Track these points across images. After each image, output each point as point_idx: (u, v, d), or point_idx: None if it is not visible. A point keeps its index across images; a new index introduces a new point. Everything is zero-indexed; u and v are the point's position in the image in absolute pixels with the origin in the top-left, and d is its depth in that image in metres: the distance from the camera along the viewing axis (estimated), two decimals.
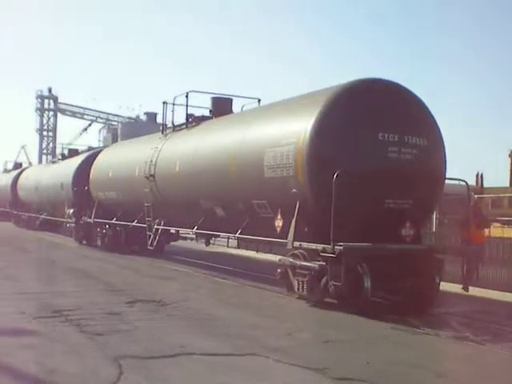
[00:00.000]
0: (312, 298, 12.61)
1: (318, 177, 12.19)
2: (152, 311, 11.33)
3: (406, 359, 8.43)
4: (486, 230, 13.12)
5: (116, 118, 73.99)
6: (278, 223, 13.52)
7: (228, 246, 18.40)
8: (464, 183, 13.09)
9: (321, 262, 12.25)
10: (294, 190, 12.73)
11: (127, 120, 68.34)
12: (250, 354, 8.26)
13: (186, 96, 18.77)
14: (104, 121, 76.12)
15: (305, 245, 12.42)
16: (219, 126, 17.20)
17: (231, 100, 19.23)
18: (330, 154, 12.13)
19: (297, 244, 12.64)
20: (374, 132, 12.17)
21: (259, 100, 18.89)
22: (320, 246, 11.91)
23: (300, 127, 12.63)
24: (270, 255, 18.81)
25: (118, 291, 13.77)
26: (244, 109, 18.92)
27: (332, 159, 12.05)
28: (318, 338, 9.79)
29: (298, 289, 12.75)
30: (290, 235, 12.80)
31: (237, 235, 15.16)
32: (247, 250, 18.14)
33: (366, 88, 12.56)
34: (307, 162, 12.29)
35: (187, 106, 18.97)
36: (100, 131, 74.22)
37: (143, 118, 64.49)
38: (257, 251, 18.03)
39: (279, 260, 13.76)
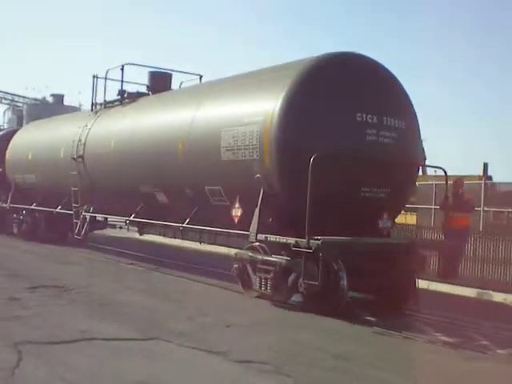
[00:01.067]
0: (277, 297, 11.20)
1: (288, 161, 10.74)
2: (54, 296, 10.88)
3: (306, 342, 8.57)
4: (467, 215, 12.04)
5: (22, 100, 70.22)
6: (236, 212, 11.99)
7: (166, 236, 16.77)
8: (442, 171, 11.97)
9: (287, 258, 10.88)
10: (258, 176, 11.23)
11: (33, 102, 64.77)
12: (152, 338, 8.18)
13: (122, 69, 16.86)
14: (9, 102, 72.04)
15: (272, 238, 10.95)
16: (163, 103, 15.39)
17: (171, 75, 17.48)
18: (304, 136, 10.68)
19: (261, 236, 11.16)
20: (352, 112, 10.85)
21: (201, 76, 17.31)
22: (292, 240, 10.48)
23: (268, 104, 11.12)
24: (216, 247, 17.37)
25: (20, 276, 12.96)
26: (183, 86, 17.28)
27: (306, 141, 10.62)
28: (220, 322, 9.51)
29: (261, 287, 11.28)
30: (252, 226, 11.30)
31: (184, 225, 13.51)
32: (199, 242, 16.52)
33: (342, 62, 11.20)
34: (276, 143, 10.80)
35: (122, 81, 17.08)
36: (5, 113, 69.97)
37: (50, 99, 61.09)
38: (200, 242, 16.42)
39: (235, 254, 12.24)
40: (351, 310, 10.78)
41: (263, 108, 11.22)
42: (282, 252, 11.21)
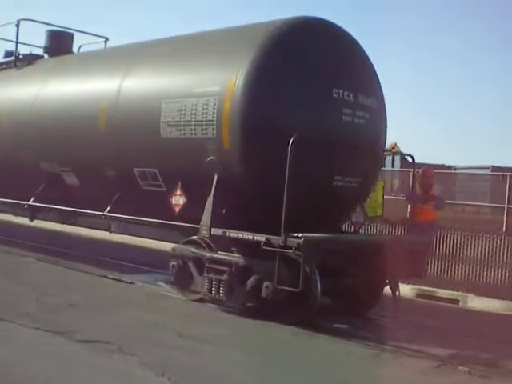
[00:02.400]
0: (231, 302, 9.45)
1: (256, 141, 8.94)
2: None
3: (153, 321, 8.50)
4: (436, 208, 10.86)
5: None
6: (177, 201, 10.04)
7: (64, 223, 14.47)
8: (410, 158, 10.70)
9: (243, 256, 9.16)
10: (212, 158, 9.36)
11: None
12: None
13: (17, 25, 14.14)
14: None
15: (233, 233, 9.12)
16: (73, 67, 12.92)
17: (72, 35, 14.99)
18: (277, 112, 8.95)
19: (217, 231, 9.31)
20: (328, 87, 9.26)
21: (106, 39, 15.01)
22: (260, 237, 8.73)
23: (228, 72, 9.23)
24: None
25: None
26: (82, 50, 14.89)
27: (279, 119, 8.91)
28: (66, 302, 9.11)
29: (210, 290, 9.45)
30: (205, 218, 9.42)
31: (105, 213, 11.30)
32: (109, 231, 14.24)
33: (318, 28, 9.51)
34: (241, 120, 8.95)
35: (17, 41, 14.35)
36: None
37: None
38: (110, 232, 14.20)
39: (173, 249, 10.29)
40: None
41: (221, 76, 9.31)
42: (234, 249, 9.48)
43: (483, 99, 62.16)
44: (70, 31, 14.97)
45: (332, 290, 9.44)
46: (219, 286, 9.37)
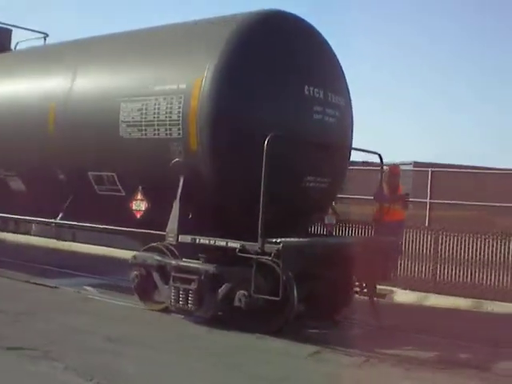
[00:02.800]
0: (200, 312, 8.92)
1: (227, 142, 8.45)
2: None
3: (80, 326, 8.28)
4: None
5: None
6: (139, 206, 9.43)
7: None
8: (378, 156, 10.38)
9: (212, 264, 8.65)
10: (178, 160, 8.81)
11: None
12: None
13: None
14: None
15: (204, 240, 8.56)
16: (18, 65, 12.01)
17: (11, 32, 14.06)
18: (248, 111, 8.48)
19: (185, 238, 8.75)
20: (300, 84, 8.85)
21: (46, 35, 14.13)
22: (236, 243, 8.24)
23: (194, 69, 8.68)
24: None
25: None
26: (19, 47, 13.98)
27: (250, 118, 8.45)
28: None
29: (178, 300, 8.90)
30: (171, 224, 8.84)
31: (58, 221, 10.52)
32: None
33: (285, 22, 9.10)
34: (211, 119, 8.42)
35: None
36: None
37: None
38: (57, 239, 13.35)
39: (134, 257, 9.66)
40: None
41: (186, 73, 8.77)
42: (201, 256, 8.95)
43: (406, 97, 63.20)
44: (8, 27, 14.01)
45: (307, 296, 9.06)
46: (187, 296, 8.84)
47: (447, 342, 8.52)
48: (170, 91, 8.81)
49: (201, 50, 8.80)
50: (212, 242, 8.52)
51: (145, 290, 9.57)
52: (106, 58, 10.16)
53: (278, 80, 8.65)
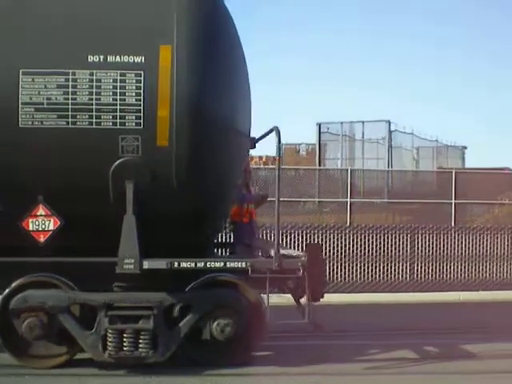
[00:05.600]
0: (155, 357, 6.79)
1: (207, 139, 6.63)
2: None
3: None
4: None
5: None
6: (45, 224, 6.61)
7: None
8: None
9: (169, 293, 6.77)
10: (129, 159, 6.50)
11: None
12: None
13: None
14: None
15: (186, 263, 6.49)
16: None
17: None
18: (230, 100, 6.84)
19: (156, 263, 6.50)
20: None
21: None
22: (242, 262, 6.64)
23: (158, 36, 6.52)
24: None
25: None
26: None
27: (232, 109, 6.90)
28: None
29: (121, 347, 6.64)
30: (126, 246, 6.46)
31: None
32: None
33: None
34: (194, 108, 6.48)
35: None
36: None
37: None
38: None
39: (23, 300, 6.70)
40: None
41: (146, 41, 6.53)
42: (115, 285, 6.90)
43: None
44: None
45: None
46: (136, 339, 6.69)
47: None
48: (120, 64, 6.45)
49: (161, 10, 6.65)
50: (200, 265, 6.62)
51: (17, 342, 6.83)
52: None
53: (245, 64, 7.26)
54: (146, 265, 6.51)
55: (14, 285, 6.81)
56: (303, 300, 7.40)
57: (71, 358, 7.01)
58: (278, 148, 6.70)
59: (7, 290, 6.82)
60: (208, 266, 6.63)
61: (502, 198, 15.86)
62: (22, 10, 6.53)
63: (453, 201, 14.84)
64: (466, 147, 28.85)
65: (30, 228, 6.61)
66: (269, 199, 9.89)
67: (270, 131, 7.00)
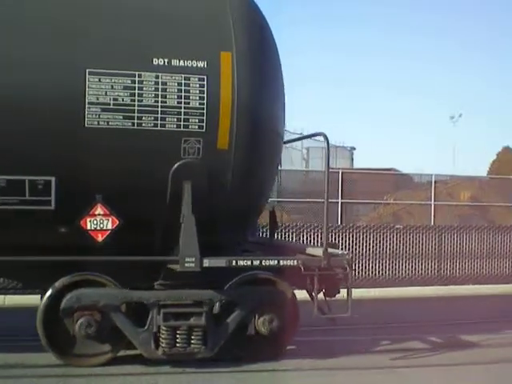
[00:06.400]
0: (205, 353, 7.02)
1: (262, 144, 6.99)
2: None
3: None
4: None
5: None
6: (103, 224, 6.64)
7: None
8: None
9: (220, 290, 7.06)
10: (189, 160, 6.68)
11: None
12: None
13: None
14: None
15: (243, 262, 6.79)
16: None
17: None
18: (277, 107, 7.22)
19: (215, 262, 6.73)
20: None
21: None
22: (294, 260, 7.06)
23: (216, 42, 6.75)
24: None
25: None
26: None
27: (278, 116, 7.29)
28: None
29: (174, 343, 6.85)
30: (186, 245, 6.61)
31: None
32: None
33: None
34: (255, 114, 6.79)
35: None
36: None
37: None
38: None
39: (76, 299, 6.69)
40: None
41: (207, 47, 6.72)
42: (157, 283, 7.10)
43: None
44: None
45: None
46: (189, 335, 6.91)
47: None
48: (184, 68, 6.61)
49: (218, 17, 6.87)
50: (257, 263, 6.93)
51: (59, 342, 6.87)
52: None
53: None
54: (207, 263, 6.73)
55: (58, 284, 6.80)
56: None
57: (115, 356, 7.09)
58: (327, 153, 7.12)
59: (52, 290, 6.79)
60: (263, 263, 6.96)
61: (387, 198, 16.92)
62: (86, 11, 6.52)
63: (339, 200, 15.24)
64: (354, 148, 30.37)
65: (88, 227, 6.63)
66: None
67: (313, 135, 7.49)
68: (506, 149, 27.18)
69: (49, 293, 6.82)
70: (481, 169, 29.63)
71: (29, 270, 6.89)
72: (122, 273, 6.92)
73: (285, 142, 8.06)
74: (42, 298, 7.03)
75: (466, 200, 17.84)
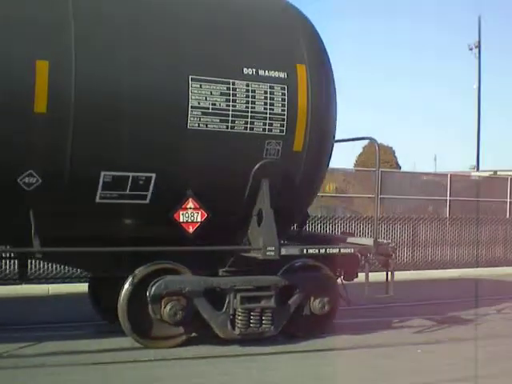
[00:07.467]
0: (272, 331, 7.86)
1: (327, 148, 7.99)
2: None
3: None
4: None
5: None
6: (193, 217, 7.29)
7: None
8: None
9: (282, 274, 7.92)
10: (269, 160, 7.47)
11: None
12: None
13: None
14: None
15: (313, 250, 7.71)
16: None
17: None
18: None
19: (290, 250, 7.58)
20: None
21: None
22: (350, 248, 8.10)
23: (292, 56, 7.58)
24: None
25: None
26: None
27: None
28: None
29: (248, 324, 7.66)
30: (266, 236, 7.37)
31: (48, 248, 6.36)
32: None
33: None
34: (324, 120, 7.70)
35: None
36: None
37: None
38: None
39: (163, 286, 7.30)
40: None
41: (286, 59, 7.52)
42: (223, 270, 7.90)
43: None
44: None
45: None
46: (261, 317, 7.75)
47: None
48: (269, 77, 7.38)
49: (291, 32, 7.70)
50: (323, 251, 7.84)
51: (141, 325, 7.52)
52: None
53: None
54: (284, 251, 7.56)
55: (138, 272, 7.35)
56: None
57: (188, 338, 7.74)
58: (377, 156, 8.18)
59: (132, 278, 7.32)
60: (327, 251, 7.90)
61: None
62: (190, 29, 7.16)
63: None
64: None
65: (181, 220, 7.25)
66: None
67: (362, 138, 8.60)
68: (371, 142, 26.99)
69: (129, 280, 7.34)
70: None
71: (109, 259, 7.40)
72: (194, 261, 7.60)
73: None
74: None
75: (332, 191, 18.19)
